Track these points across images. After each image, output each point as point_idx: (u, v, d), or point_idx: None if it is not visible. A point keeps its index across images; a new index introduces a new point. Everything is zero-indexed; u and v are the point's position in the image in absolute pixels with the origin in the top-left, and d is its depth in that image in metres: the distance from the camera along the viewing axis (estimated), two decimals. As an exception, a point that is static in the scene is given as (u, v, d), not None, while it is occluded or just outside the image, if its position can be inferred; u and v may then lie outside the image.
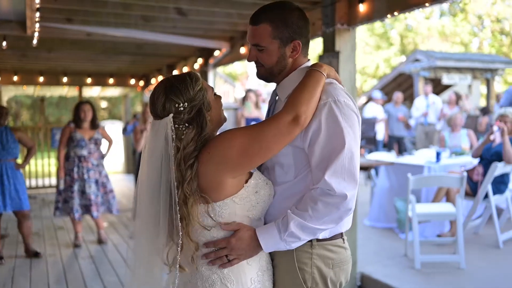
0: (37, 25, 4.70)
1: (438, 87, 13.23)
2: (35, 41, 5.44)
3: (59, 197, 5.85)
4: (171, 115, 1.63)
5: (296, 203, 1.68)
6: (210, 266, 1.66)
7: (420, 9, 3.72)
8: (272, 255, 1.79)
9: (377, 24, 18.72)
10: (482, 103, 15.39)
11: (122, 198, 8.78)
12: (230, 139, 1.62)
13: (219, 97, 1.77)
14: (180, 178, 1.60)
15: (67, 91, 11.76)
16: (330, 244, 1.75)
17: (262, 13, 1.73)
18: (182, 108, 1.63)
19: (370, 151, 8.65)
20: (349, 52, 4.43)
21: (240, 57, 6.61)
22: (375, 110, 10.51)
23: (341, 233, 1.80)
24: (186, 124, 1.64)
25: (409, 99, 13.24)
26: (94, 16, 5.35)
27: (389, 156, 6.64)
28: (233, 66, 21.93)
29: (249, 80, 25.18)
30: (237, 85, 23.06)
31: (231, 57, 6.81)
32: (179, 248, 1.62)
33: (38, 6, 3.93)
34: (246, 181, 1.67)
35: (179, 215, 1.59)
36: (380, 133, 10.38)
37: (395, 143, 10.58)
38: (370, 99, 11.66)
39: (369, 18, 4.15)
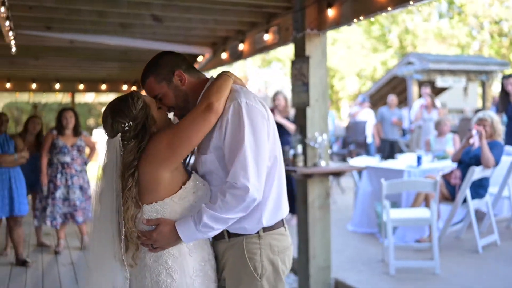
0: (11, 33, 4.73)
1: (433, 90, 13.14)
2: (13, 49, 5.46)
3: (39, 205, 5.87)
4: (119, 134, 1.87)
5: None
6: (156, 258, 1.87)
7: (384, 13, 3.71)
8: (220, 248, 1.99)
9: (374, 27, 18.70)
10: (480, 104, 15.27)
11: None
12: (158, 138, 1.87)
13: (163, 108, 2.00)
14: (122, 186, 1.85)
15: (62, 98, 11.82)
16: (274, 233, 1.97)
17: (143, 73, 2.01)
18: (127, 128, 1.87)
19: (358, 155, 8.62)
20: (319, 57, 4.43)
21: (222, 63, 6.62)
22: (365, 114, 10.49)
23: (282, 221, 2.01)
24: (132, 140, 1.87)
25: (404, 102, 13.19)
26: (72, 24, 5.38)
27: (372, 161, 6.61)
28: (232, 70, 21.87)
29: (249, 85, 25.28)
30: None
31: (214, 62, 6.83)
32: (123, 248, 1.86)
33: (4, 15, 3.94)
34: (184, 183, 1.89)
35: (123, 219, 1.84)
36: (371, 137, 10.35)
37: (389, 147, 10.53)
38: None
39: (337, 23, 4.15)
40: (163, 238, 1.85)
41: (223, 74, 1.99)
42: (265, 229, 1.94)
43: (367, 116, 10.65)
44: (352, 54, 18.69)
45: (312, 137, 4.38)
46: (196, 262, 1.91)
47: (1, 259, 5.67)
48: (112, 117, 1.88)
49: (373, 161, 6.59)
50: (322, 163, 4.39)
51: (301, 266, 4.54)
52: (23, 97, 12.15)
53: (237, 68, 22.22)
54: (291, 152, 4.48)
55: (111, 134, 1.90)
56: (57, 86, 10.19)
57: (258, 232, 1.93)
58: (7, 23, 4.29)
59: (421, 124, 10.09)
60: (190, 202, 1.88)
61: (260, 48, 5.55)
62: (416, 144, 10.21)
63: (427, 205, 5.29)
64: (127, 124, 1.87)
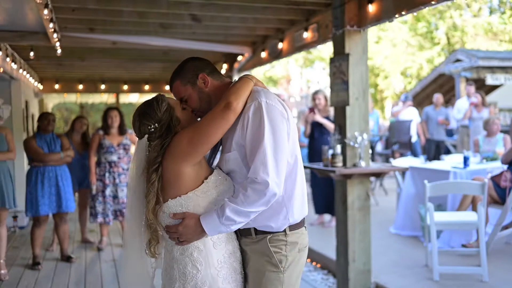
0: (55, 35, 4.86)
1: (484, 88, 12.61)
2: (59, 51, 5.63)
3: (91, 203, 6.04)
4: (146, 136, 2.03)
5: None
6: (182, 251, 1.98)
7: (427, 7, 3.55)
8: (246, 243, 2.07)
9: (421, 24, 18.13)
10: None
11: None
12: (180, 135, 1.98)
13: (187, 109, 2.12)
14: (147, 180, 1.99)
15: (107, 98, 12.13)
16: (299, 232, 2.07)
17: (171, 78, 2.15)
18: (153, 129, 2.02)
19: (402, 155, 8.36)
20: (360, 55, 4.30)
21: (262, 62, 6.59)
22: (408, 113, 10.17)
23: (304, 220, 2.12)
24: (158, 139, 2.01)
25: (451, 101, 12.71)
26: (114, 25, 5.49)
27: (415, 161, 6.38)
28: (274, 69, 21.86)
29: (291, 84, 25.12)
30: (280, 89, 23.07)
31: (253, 61, 6.80)
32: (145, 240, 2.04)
33: (48, 17, 4.05)
34: (207, 177, 1.99)
35: (151, 212, 1.98)
36: (415, 136, 10.02)
37: (434, 148, 10.18)
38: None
39: (378, 18, 4.02)
40: (188, 231, 1.94)
41: (244, 77, 2.09)
42: (291, 228, 2.04)
43: (411, 115, 10.32)
44: (397, 53, 18.22)
45: (352, 137, 4.26)
46: (221, 254, 2.00)
47: (47, 254, 5.85)
48: (139, 120, 2.04)
49: (417, 161, 6.36)
50: (362, 164, 4.27)
51: (339, 269, 4.43)
52: (71, 98, 12.55)
53: (280, 68, 22.16)
54: (330, 152, 4.37)
55: (139, 135, 2.06)
56: (103, 87, 10.47)
57: (284, 230, 2.02)
58: (51, 25, 4.40)
59: (466, 124, 9.69)
60: (213, 196, 1.97)
61: (299, 47, 5.47)
62: (462, 145, 9.82)
63: (474, 208, 5.05)
64: (152, 126, 2.01)
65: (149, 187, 1.97)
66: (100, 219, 5.98)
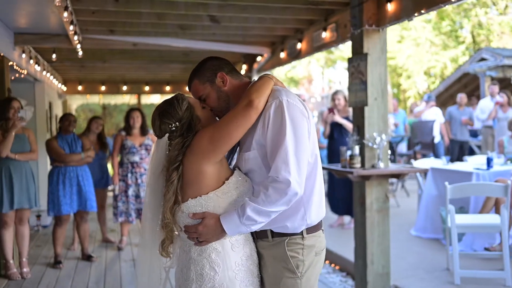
0: (76, 37, 4.93)
1: (510, 88, 12.30)
2: (80, 53, 5.71)
3: (114, 203, 6.13)
4: (167, 135, 2.01)
5: None
6: (200, 252, 1.96)
7: (447, 5, 3.48)
8: (263, 246, 2.04)
9: (445, 22, 17.79)
10: None
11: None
12: (201, 133, 1.97)
13: (207, 107, 2.10)
14: (167, 178, 1.98)
15: (129, 99, 12.27)
16: (316, 235, 2.04)
17: (190, 77, 2.14)
18: (174, 128, 1.99)
19: (424, 156, 8.22)
20: (378, 54, 4.24)
21: (281, 62, 6.57)
22: (431, 113, 9.99)
23: (321, 223, 2.09)
24: (179, 138, 1.99)
25: (472, 101, 12.43)
26: (134, 27, 5.55)
27: (437, 162, 6.26)
28: (295, 70, 21.77)
29: (313, 84, 24.99)
30: (301, 90, 22.96)
31: (273, 62, 6.78)
32: (160, 239, 2.02)
33: (68, 19, 4.11)
34: (228, 178, 1.97)
35: (168, 211, 1.96)
36: (439, 137, 9.84)
37: (458, 148, 9.98)
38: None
39: (397, 17, 3.96)
40: (208, 231, 1.92)
41: (264, 76, 2.07)
42: (308, 231, 2.01)
43: (434, 115, 10.14)
44: (420, 52, 17.93)
45: (370, 138, 4.20)
46: (239, 257, 1.98)
47: (69, 253, 5.94)
48: (160, 119, 2.02)
49: (439, 162, 6.24)
50: (381, 165, 4.21)
51: (358, 272, 4.37)
52: (94, 99, 12.74)
53: (301, 68, 22.07)
54: (348, 153, 4.32)
55: (159, 134, 2.03)
56: (124, 88, 10.60)
57: (301, 233, 1.99)
58: (71, 27, 4.47)
59: (490, 124, 9.47)
60: (233, 197, 1.95)
61: (318, 46, 5.43)
62: (486, 145, 9.60)
63: (497, 211, 4.92)
64: (173, 125, 1.99)
65: (168, 186, 1.96)
66: (123, 218, 6.06)
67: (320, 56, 20.33)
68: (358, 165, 4.21)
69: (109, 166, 6.68)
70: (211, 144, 1.92)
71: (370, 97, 4.19)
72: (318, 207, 2.03)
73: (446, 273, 4.61)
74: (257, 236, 2.05)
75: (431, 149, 9.27)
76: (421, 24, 17.74)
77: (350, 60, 4.41)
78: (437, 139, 9.83)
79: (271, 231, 2.01)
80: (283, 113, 1.91)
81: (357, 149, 4.23)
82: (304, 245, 1.99)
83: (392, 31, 17.79)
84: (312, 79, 24.48)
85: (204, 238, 1.94)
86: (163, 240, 2.03)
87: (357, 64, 4.28)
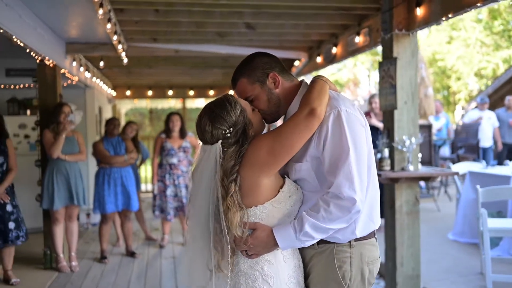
0: (120, 46, 5.26)
1: None
2: (125, 60, 6.06)
3: (154, 202, 6.45)
4: (220, 141, 1.82)
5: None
6: (252, 264, 1.84)
7: (473, 9, 3.49)
8: (307, 254, 1.92)
9: (497, 22, 17.18)
10: None
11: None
12: (258, 143, 1.82)
13: (256, 110, 1.95)
14: (223, 192, 1.80)
15: (175, 103, 12.68)
16: (366, 243, 1.88)
17: (235, 74, 1.96)
18: (228, 134, 1.81)
19: (474, 160, 8.02)
20: (408, 58, 4.28)
21: (317, 67, 6.66)
22: (488, 117, 9.69)
23: (374, 232, 1.93)
24: (233, 146, 1.82)
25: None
26: (175, 35, 5.83)
27: (475, 166, 6.16)
28: (340, 73, 21.64)
29: (360, 87, 24.72)
30: (347, 93, 22.76)
31: (310, 66, 6.89)
32: (229, 253, 1.83)
33: (111, 30, 4.42)
34: (282, 187, 1.84)
35: (225, 225, 1.80)
36: (485, 140, 9.55)
37: (507, 152, 9.67)
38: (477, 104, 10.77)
39: (427, 22, 3.99)
40: (259, 244, 1.80)
41: (318, 79, 1.91)
42: (357, 239, 1.87)
43: (487, 118, 9.80)
44: (471, 53, 17.39)
45: (400, 141, 4.24)
46: (290, 268, 1.87)
47: (114, 249, 6.29)
48: (212, 124, 1.82)
49: (477, 166, 6.14)
50: (411, 167, 4.24)
51: (388, 273, 4.41)
52: (142, 104, 13.24)
53: (346, 71, 21.93)
54: (378, 155, 4.38)
55: (211, 140, 1.83)
56: (170, 92, 10.99)
57: (350, 241, 1.86)
58: (115, 37, 4.79)
59: None
60: (286, 206, 1.84)
61: (353, 51, 5.50)
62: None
63: (536, 215, 4.82)
64: (227, 130, 1.81)
65: (229, 200, 1.78)
66: (162, 215, 6.36)
67: (366, 59, 20.13)
68: (388, 167, 4.26)
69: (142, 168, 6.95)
70: (271, 156, 1.77)
71: (400, 101, 4.23)
72: (369, 219, 1.89)
73: (479, 277, 4.56)
74: None
75: (475, 152, 9.04)
76: (471, 24, 17.22)
77: (380, 64, 4.47)
78: (488, 143, 9.54)
79: None
80: (342, 126, 1.77)
81: (386, 151, 4.28)
82: (351, 253, 1.85)
83: (441, 32, 17.39)
84: (359, 82, 24.23)
85: (254, 251, 1.82)
86: (224, 255, 1.85)
87: (387, 68, 4.34)
